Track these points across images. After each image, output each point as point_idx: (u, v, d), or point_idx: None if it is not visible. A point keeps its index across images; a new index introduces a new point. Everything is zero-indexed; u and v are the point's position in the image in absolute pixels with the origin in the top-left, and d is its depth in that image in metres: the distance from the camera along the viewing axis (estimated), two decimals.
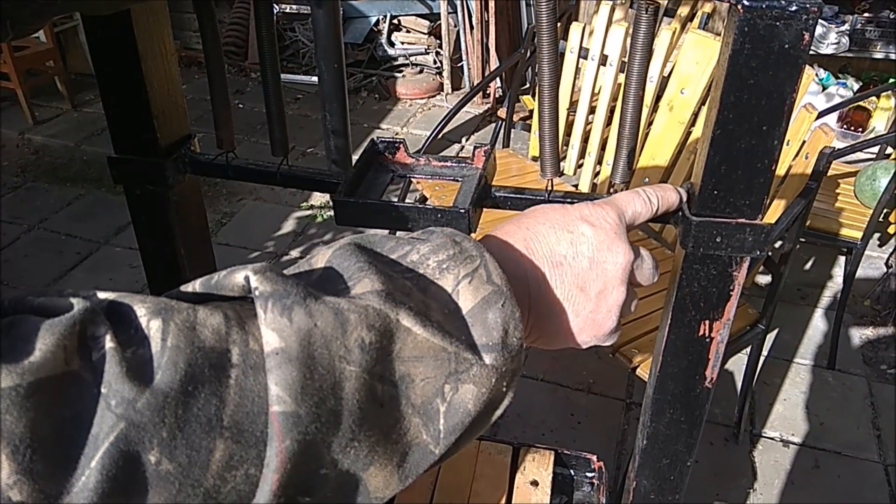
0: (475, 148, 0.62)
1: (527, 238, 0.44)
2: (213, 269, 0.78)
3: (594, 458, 1.08)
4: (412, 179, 0.65)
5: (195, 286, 0.34)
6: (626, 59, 2.11)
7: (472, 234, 0.52)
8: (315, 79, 4.16)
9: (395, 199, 0.60)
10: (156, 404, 0.27)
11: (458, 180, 0.63)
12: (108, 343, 0.27)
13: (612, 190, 0.58)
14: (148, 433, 0.26)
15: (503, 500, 1.00)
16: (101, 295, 0.30)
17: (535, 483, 1.02)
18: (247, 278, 0.31)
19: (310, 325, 0.31)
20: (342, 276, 0.35)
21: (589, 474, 1.07)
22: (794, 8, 0.44)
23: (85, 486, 0.25)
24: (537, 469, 1.05)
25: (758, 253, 0.54)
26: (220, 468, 0.28)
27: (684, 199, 0.54)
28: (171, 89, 0.64)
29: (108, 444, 0.26)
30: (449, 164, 0.63)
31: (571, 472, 1.08)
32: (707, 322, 0.58)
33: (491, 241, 0.44)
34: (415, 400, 0.34)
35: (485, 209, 0.62)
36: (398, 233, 0.41)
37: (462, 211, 0.57)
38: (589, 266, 0.44)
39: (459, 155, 0.63)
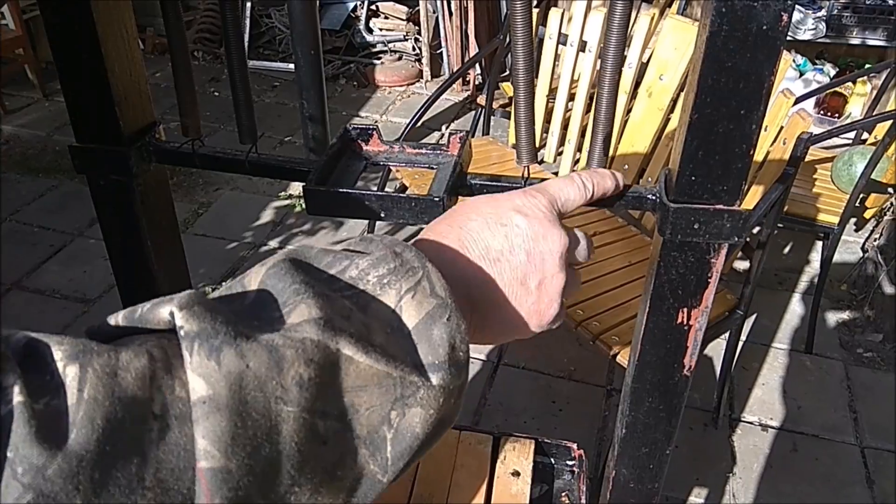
0: (450, 134, 0.61)
1: (461, 237, 0.42)
2: (182, 261, 0.76)
3: (574, 446, 1.07)
4: (391, 168, 0.64)
5: (118, 319, 0.31)
6: None
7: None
8: (292, 66, 4.11)
9: (374, 188, 0.59)
10: (69, 470, 0.24)
11: (432, 168, 0.61)
12: (17, 396, 0.24)
13: None
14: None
15: (484, 491, 0.99)
16: (20, 334, 0.27)
17: (516, 473, 1.01)
18: (172, 314, 0.29)
19: (241, 367, 0.28)
20: (277, 300, 0.33)
21: (569, 462, 1.07)
22: None
23: None
24: (518, 458, 1.04)
25: (735, 239, 0.53)
26: None
27: (621, 185, 0.53)
28: (133, 74, 0.62)
29: None
30: (423, 151, 0.62)
31: (552, 460, 1.07)
32: (685, 310, 0.58)
33: (425, 245, 0.42)
34: (360, 431, 0.33)
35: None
36: (338, 245, 0.39)
37: (436, 199, 0.56)
38: (527, 259, 0.43)
39: (438, 143, 0.62)
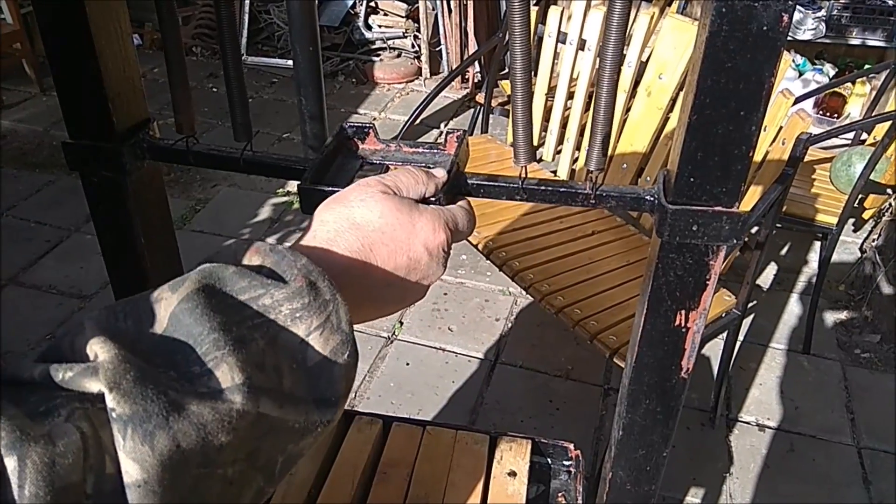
0: (447, 133, 0.60)
1: (367, 258, 0.46)
2: (176, 260, 0.76)
3: (571, 446, 1.07)
4: (388, 166, 0.63)
5: (34, 374, 0.31)
6: None
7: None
8: (291, 62, 4.10)
9: None
10: None
11: (429, 166, 0.61)
12: None
13: (589, 176, 0.56)
14: None
15: (480, 491, 0.99)
16: None
17: (512, 474, 1.01)
18: (102, 394, 0.30)
19: (172, 448, 0.30)
20: (194, 351, 0.34)
21: (566, 463, 1.06)
22: None
23: None
24: (514, 458, 1.04)
25: (734, 241, 0.53)
26: None
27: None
28: (127, 70, 0.61)
29: None
30: (420, 150, 0.61)
31: (548, 460, 1.07)
32: (683, 312, 0.57)
33: (336, 261, 0.44)
34: (259, 464, 0.36)
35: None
36: (254, 257, 0.40)
37: (433, 199, 0.55)
38: (413, 284, 0.49)
39: (436, 141, 0.61)
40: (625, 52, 1.97)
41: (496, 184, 0.58)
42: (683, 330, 0.58)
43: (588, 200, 0.56)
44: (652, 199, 0.55)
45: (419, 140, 0.63)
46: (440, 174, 0.55)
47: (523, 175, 0.57)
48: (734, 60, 0.46)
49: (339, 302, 0.39)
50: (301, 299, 0.37)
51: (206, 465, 0.32)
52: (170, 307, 0.34)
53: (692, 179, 0.51)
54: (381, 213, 0.47)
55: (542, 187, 0.57)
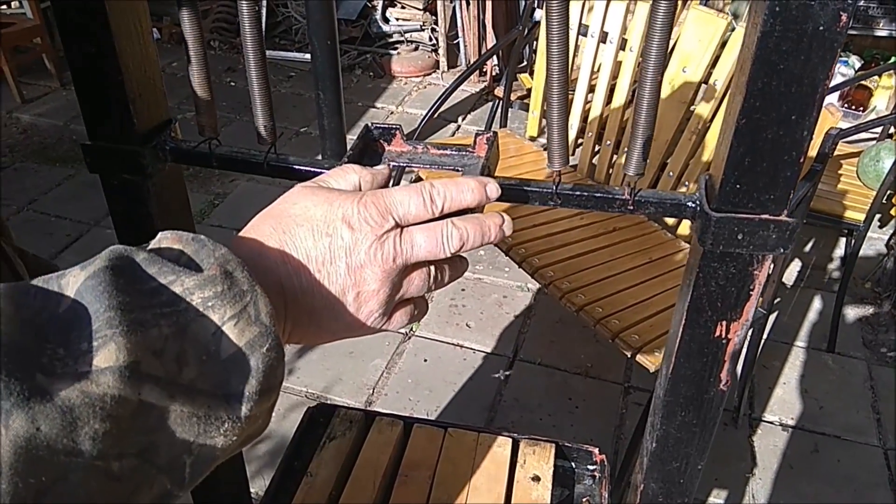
0: (477, 134, 0.58)
1: (283, 242, 0.43)
2: None
3: (596, 450, 1.05)
4: (414, 168, 0.61)
5: None
6: (626, 37, 2.05)
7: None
8: (308, 56, 4.08)
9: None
10: None
11: (458, 170, 0.59)
12: None
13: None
14: None
15: (503, 495, 0.97)
16: None
17: (536, 478, 0.99)
18: None
19: (30, 430, 0.28)
20: (89, 326, 0.32)
21: (590, 467, 1.04)
22: None
23: None
24: (538, 462, 1.02)
25: (781, 251, 0.50)
26: None
27: (486, 198, 0.48)
28: (147, 70, 0.60)
29: None
30: (448, 152, 0.59)
31: (573, 464, 1.05)
32: (724, 323, 0.55)
33: (248, 248, 0.42)
34: (159, 462, 0.33)
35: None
36: (176, 244, 0.37)
37: None
38: (346, 271, 0.43)
39: (456, 135, 0.59)
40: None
41: (528, 188, 0.56)
42: (724, 341, 0.56)
43: (626, 207, 0.54)
44: (694, 205, 0.52)
45: (438, 134, 0.61)
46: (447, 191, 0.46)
47: (557, 180, 0.55)
48: (787, 62, 0.43)
49: (259, 293, 0.37)
50: (214, 287, 0.35)
51: (77, 455, 0.30)
52: (76, 284, 0.33)
53: (738, 186, 0.48)
54: (296, 199, 0.45)
55: (577, 192, 0.55)
